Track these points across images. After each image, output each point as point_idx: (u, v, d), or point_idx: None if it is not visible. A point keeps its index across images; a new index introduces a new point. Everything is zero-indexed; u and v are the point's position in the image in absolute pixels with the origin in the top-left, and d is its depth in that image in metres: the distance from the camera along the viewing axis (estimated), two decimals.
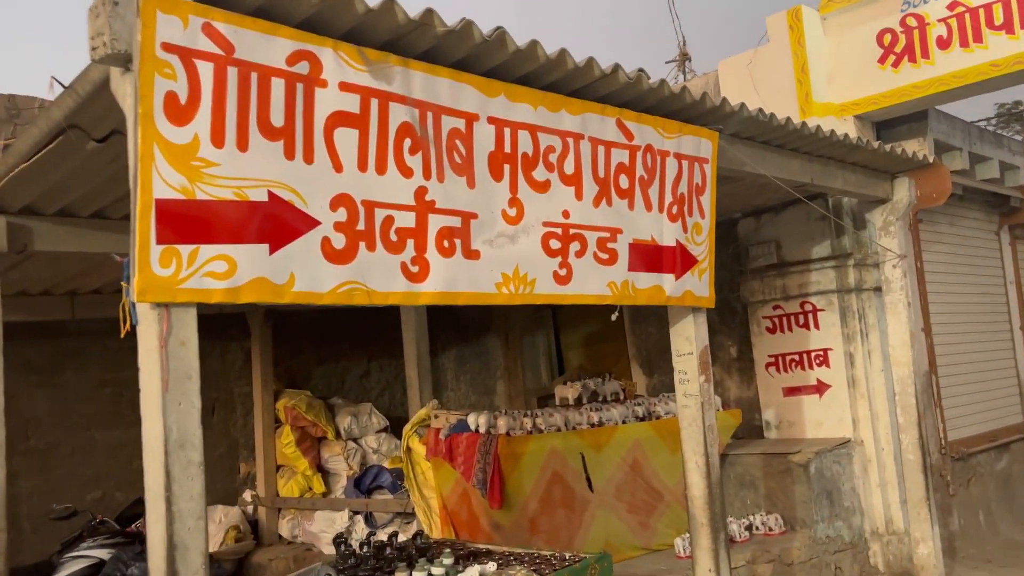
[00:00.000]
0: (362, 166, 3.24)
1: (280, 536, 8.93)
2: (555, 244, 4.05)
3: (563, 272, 4.09)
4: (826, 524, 6.71)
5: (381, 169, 3.31)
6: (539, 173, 3.98)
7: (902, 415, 6.79)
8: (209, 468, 3.00)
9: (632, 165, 4.43)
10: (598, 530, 6.13)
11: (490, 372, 10.17)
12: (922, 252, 8.12)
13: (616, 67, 4.17)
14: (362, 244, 3.22)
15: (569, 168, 4.12)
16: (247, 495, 9.20)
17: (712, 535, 4.78)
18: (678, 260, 4.70)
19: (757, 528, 6.61)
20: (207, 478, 2.78)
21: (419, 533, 4.99)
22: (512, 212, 3.87)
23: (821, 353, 7.35)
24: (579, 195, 4.16)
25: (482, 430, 5.93)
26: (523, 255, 3.90)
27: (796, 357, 7.50)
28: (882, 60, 7.37)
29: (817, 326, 7.39)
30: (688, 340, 4.93)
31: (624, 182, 4.40)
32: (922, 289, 8.02)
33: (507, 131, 3.82)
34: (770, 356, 7.67)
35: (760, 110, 5.09)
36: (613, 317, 4.74)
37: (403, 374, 9.14)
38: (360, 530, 7.90)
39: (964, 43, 6.88)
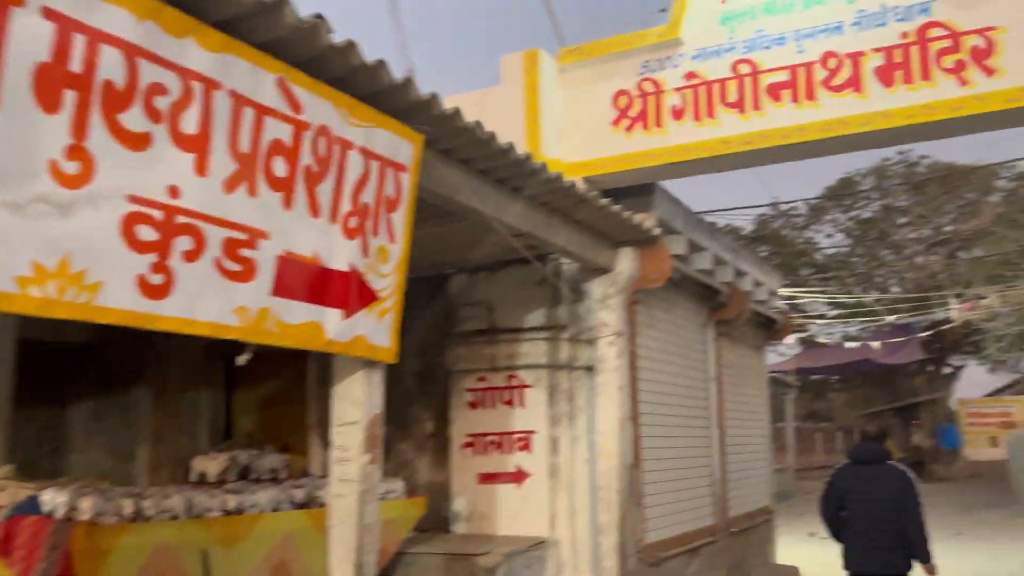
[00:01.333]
0: None
1: None
2: (147, 234, 2.60)
3: (157, 279, 2.65)
4: None
5: None
6: (133, 119, 2.55)
7: (604, 513, 5.96)
8: None
9: (296, 147, 3.13)
10: None
11: (133, 433, 8.10)
12: (636, 334, 7.58)
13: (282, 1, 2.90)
14: None
15: (190, 126, 2.72)
16: None
17: None
18: (352, 292, 3.43)
19: None
20: None
21: None
22: (70, 167, 2.38)
23: (524, 436, 6.41)
24: (201, 169, 2.77)
25: (57, 514, 4.14)
26: (82, 240, 2.42)
27: (497, 438, 6.49)
28: (616, 122, 6.84)
29: (523, 404, 6.46)
30: (355, 405, 3.63)
31: (281, 168, 3.08)
32: (633, 374, 7.45)
33: (79, 39, 2.37)
34: (469, 435, 6.59)
35: (479, 123, 4.06)
36: (242, 360, 3.32)
37: None
38: None
39: (697, 116, 6.50)
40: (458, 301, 6.85)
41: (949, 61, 5.66)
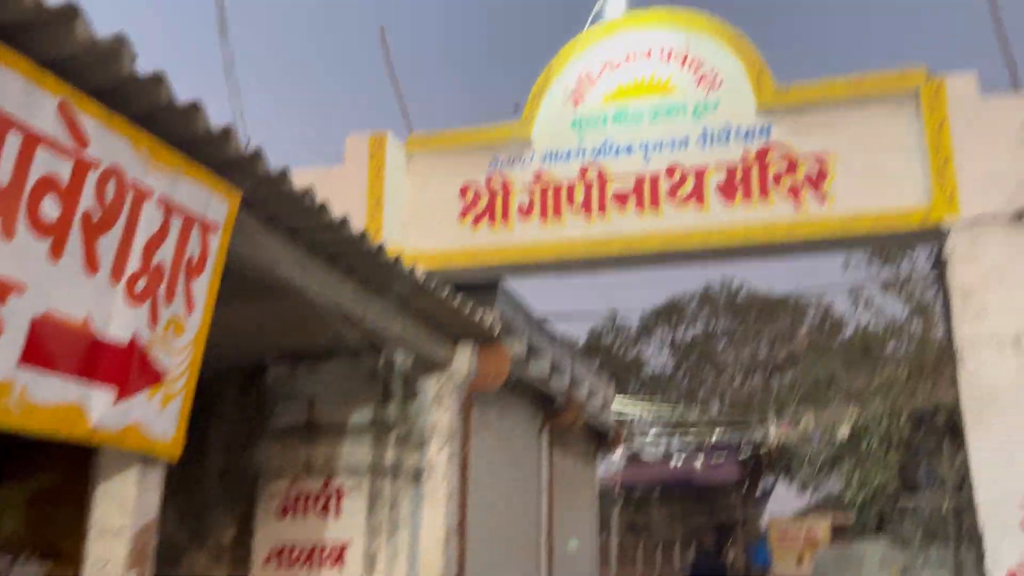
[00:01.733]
0: None
1: None
2: None
3: None
4: None
5: None
6: None
7: None
8: None
9: (75, 187, 2.56)
10: None
11: None
12: (469, 438, 7.13)
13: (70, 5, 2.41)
14: None
15: None
16: None
17: None
18: (131, 369, 2.82)
19: None
20: None
21: None
22: None
23: (338, 549, 5.71)
24: None
25: None
26: None
27: (307, 551, 5.75)
28: (463, 215, 6.58)
29: (339, 512, 5.78)
30: (123, 509, 2.95)
31: (51, 210, 2.50)
32: (463, 482, 6.95)
33: None
34: (274, 547, 5.81)
35: (311, 190, 3.62)
36: None
37: None
38: None
39: (544, 217, 6.36)
40: (274, 394, 6.17)
41: (786, 183, 5.84)
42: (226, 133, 3.05)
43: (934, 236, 5.46)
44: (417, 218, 6.67)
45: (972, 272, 5.18)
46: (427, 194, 6.74)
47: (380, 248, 4.27)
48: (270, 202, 3.56)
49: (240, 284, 3.88)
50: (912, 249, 5.66)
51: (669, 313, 29.87)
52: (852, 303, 15.48)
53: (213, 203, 3.13)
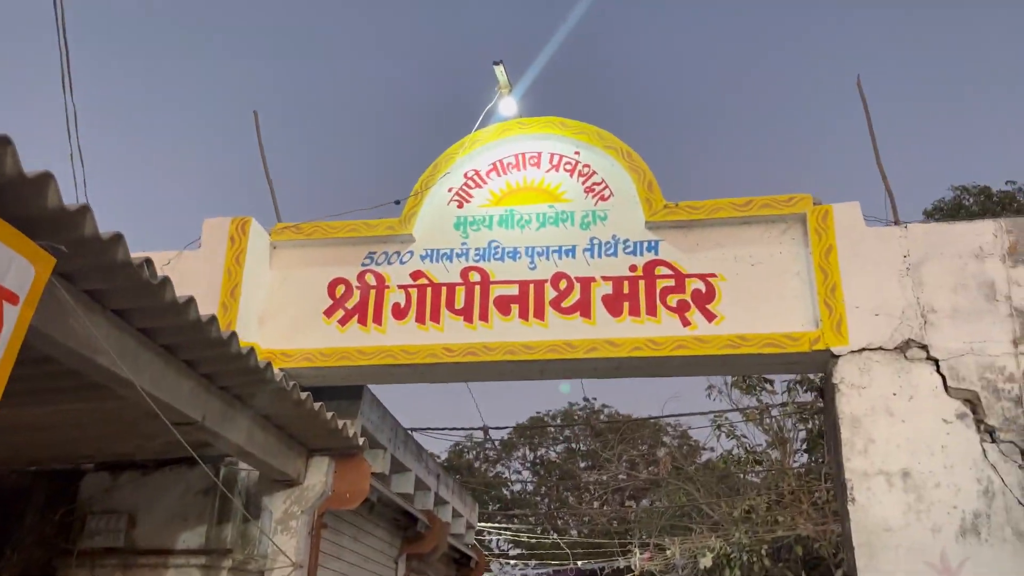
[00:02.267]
0: None
1: None
2: None
3: None
4: None
5: None
6: None
7: None
8: None
9: None
10: None
11: None
12: (318, 566, 6.29)
13: None
14: None
15: None
16: None
17: None
18: None
19: None
20: None
21: None
22: None
23: None
24: None
25: None
26: None
27: None
28: (330, 312, 6.00)
29: None
30: None
31: None
32: None
33: None
34: None
35: (147, 261, 3.01)
36: None
37: None
38: None
39: (421, 319, 5.87)
40: (89, 507, 5.23)
41: (673, 300, 5.63)
42: (40, 181, 2.45)
43: (822, 362, 5.33)
44: (278, 313, 6.03)
45: (860, 402, 5.03)
46: (291, 288, 6.13)
47: (231, 338, 3.65)
48: (93, 274, 2.91)
49: (51, 373, 3.16)
50: (799, 374, 5.54)
51: (532, 431, 29.51)
52: (714, 429, 15.55)
53: (17, 267, 2.48)
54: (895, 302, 5.22)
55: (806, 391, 14.89)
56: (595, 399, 28.64)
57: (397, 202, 6.18)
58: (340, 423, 5.04)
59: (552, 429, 29.67)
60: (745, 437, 15.65)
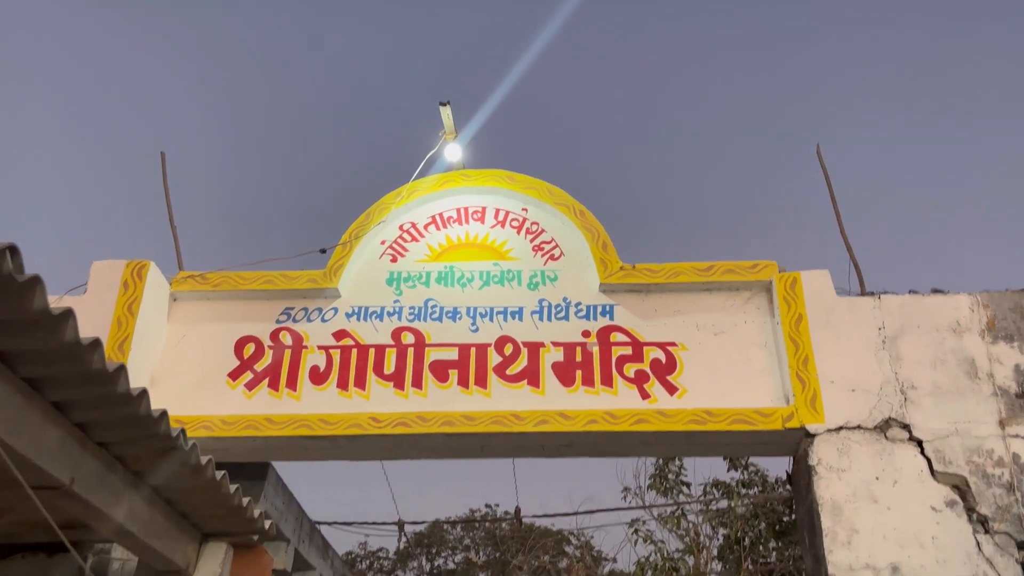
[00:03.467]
0: None
1: None
2: None
3: None
4: None
5: None
6: None
7: None
8: None
9: None
10: None
11: None
12: None
13: None
14: None
15: None
16: None
17: None
18: None
19: None
20: None
21: None
22: None
23: None
24: None
25: None
26: None
27: None
28: (236, 375, 5.16)
29: None
30: None
31: None
32: None
33: None
34: None
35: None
36: None
37: None
38: None
39: (344, 384, 5.10)
40: None
41: (631, 370, 5.07)
42: None
43: (793, 443, 4.82)
44: (175, 374, 5.14)
45: (841, 487, 4.52)
46: (192, 346, 5.28)
47: (120, 373, 2.84)
48: None
49: None
50: (770, 455, 5.06)
51: (429, 539, 27.92)
52: (631, 533, 14.81)
53: None
54: (872, 377, 4.81)
55: (722, 495, 14.46)
56: (497, 505, 27.44)
57: (323, 251, 5.49)
58: (244, 499, 4.16)
59: (451, 537, 28.17)
60: (663, 542, 14.94)
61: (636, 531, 14.79)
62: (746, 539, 13.05)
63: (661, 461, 13.40)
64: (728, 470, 13.31)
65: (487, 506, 27.43)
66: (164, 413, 3.21)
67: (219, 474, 3.77)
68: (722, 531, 14.99)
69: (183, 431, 3.40)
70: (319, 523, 7.10)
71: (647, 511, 14.76)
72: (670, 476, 14.34)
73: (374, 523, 9.12)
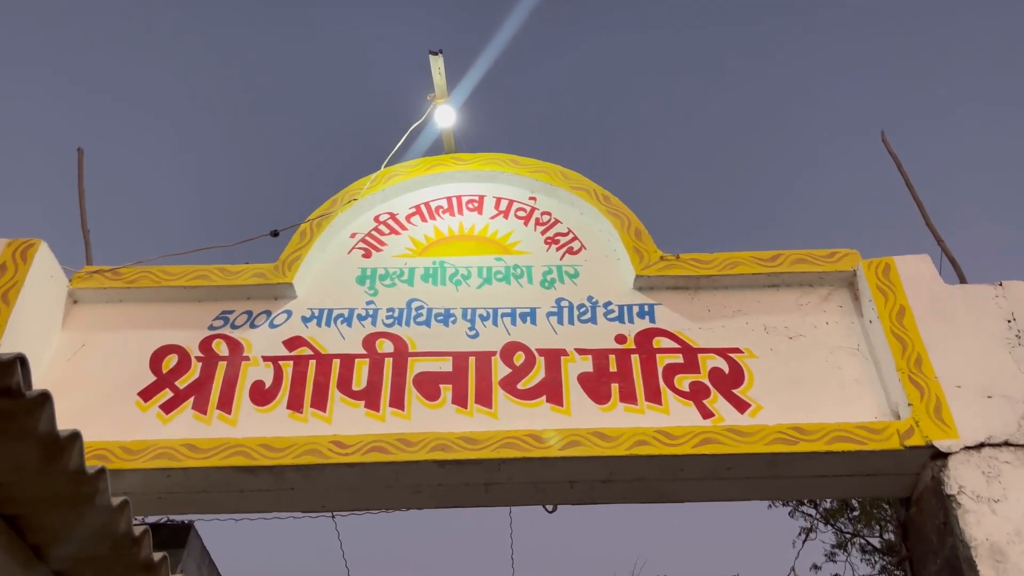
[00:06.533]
0: None
1: None
2: None
3: None
4: None
5: None
6: None
7: None
8: None
9: None
10: None
11: None
12: None
13: None
14: None
15: None
16: None
17: None
18: None
19: None
20: None
21: None
22: None
23: None
24: None
25: None
26: None
27: None
28: (148, 394, 3.78)
29: None
30: None
31: None
32: None
33: None
34: None
35: None
36: None
37: None
38: None
39: (296, 404, 3.74)
40: None
41: (684, 383, 3.80)
42: None
43: (915, 467, 3.53)
44: (65, 392, 3.72)
45: (998, 524, 3.22)
46: (92, 356, 3.91)
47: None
48: None
49: None
50: (879, 494, 3.77)
51: None
52: None
53: None
54: (1011, 379, 3.60)
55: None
56: None
57: (275, 233, 4.25)
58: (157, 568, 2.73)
59: None
60: None
61: None
62: None
63: None
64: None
65: None
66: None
67: (134, 528, 2.38)
68: None
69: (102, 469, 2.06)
70: None
71: None
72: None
73: None
